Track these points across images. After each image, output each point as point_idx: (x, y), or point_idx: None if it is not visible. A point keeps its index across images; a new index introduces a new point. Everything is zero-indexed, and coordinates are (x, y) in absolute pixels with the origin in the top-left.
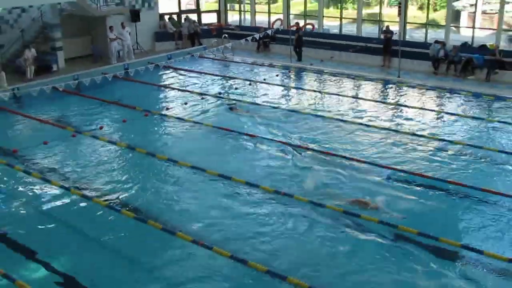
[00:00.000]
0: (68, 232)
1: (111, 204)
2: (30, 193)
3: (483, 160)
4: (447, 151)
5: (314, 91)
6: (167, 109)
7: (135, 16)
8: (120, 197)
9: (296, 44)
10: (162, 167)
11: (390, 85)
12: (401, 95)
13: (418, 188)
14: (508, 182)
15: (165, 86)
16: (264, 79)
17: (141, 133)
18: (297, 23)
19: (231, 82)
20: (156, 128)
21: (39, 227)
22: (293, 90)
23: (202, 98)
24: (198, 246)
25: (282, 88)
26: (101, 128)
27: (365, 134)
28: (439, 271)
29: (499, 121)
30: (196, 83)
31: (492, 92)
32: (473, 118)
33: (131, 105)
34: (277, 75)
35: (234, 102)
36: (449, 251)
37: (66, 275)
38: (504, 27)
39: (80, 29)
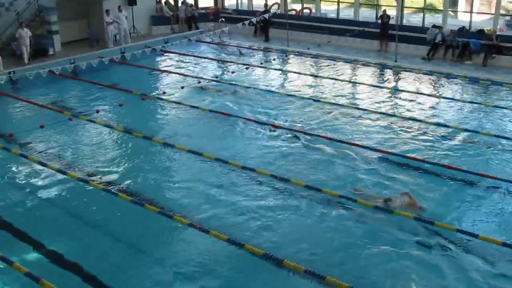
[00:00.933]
0: (64, 215)
1: (108, 187)
2: (27, 177)
3: (479, 144)
4: (442, 135)
5: (311, 75)
6: (164, 93)
7: None
8: (116, 180)
9: (263, 26)
10: (158, 151)
11: (387, 70)
12: (399, 79)
13: (413, 172)
14: (503, 166)
15: (162, 70)
16: (261, 63)
17: (138, 117)
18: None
19: (228, 66)
20: (152, 112)
21: (36, 210)
22: (291, 75)
23: (199, 82)
24: (195, 229)
25: (279, 72)
26: (97, 111)
27: (363, 119)
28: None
29: (495, 106)
30: (193, 67)
31: (489, 77)
32: (470, 102)
33: (127, 89)
34: (274, 59)
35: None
36: (444, 235)
37: (63, 257)
38: (502, 11)
39: (76, 13)
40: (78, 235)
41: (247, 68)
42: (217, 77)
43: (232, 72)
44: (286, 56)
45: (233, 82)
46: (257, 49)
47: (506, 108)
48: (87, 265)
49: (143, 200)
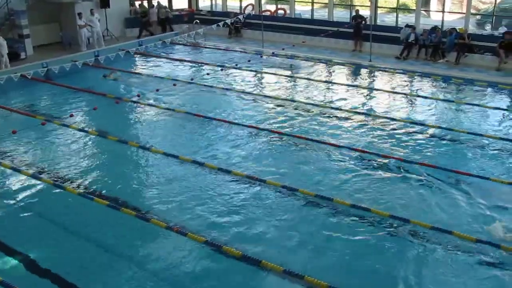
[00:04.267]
0: (40, 221)
1: (84, 192)
2: (0, 183)
3: (453, 141)
4: (418, 133)
5: (286, 76)
6: (138, 96)
7: (104, 2)
8: (92, 185)
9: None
10: (134, 154)
11: (362, 69)
12: (373, 79)
13: (388, 171)
14: (477, 163)
15: (136, 73)
16: (236, 65)
17: (113, 120)
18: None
19: (203, 67)
20: (127, 115)
21: (10, 217)
22: (267, 76)
23: (174, 85)
24: (173, 232)
25: (254, 73)
26: (71, 115)
27: (339, 118)
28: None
29: (467, 103)
30: (167, 69)
31: (461, 75)
32: (443, 100)
33: (102, 92)
34: (249, 61)
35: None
36: (420, 233)
37: (39, 265)
38: (473, 11)
39: (48, 16)
40: (54, 241)
41: (222, 70)
42: (192, 79)
43: (207, 74)
44: (261, 57)
45: (209, 84)
46: (232, 50)
47: (478, 106)
48: (63, 271)
49: (119, 204)
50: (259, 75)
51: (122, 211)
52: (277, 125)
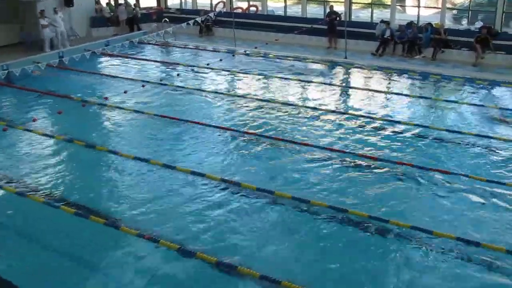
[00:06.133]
0: (2, 231)
1: (49, 200)
2: None
3: (430, 139)
4: (396, 132)
5: (259, 75)
6: (106, 98)
7: (68, 0)
8: (58, 192)
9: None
10: (102, 159)
11: (337, 67)
12: (349, 77)
13: (367, 171)
14: (454, 160)
15: (103, 74)
16: (208, 64)
17: (79, 124)
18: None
19: (173, 68)
20: (94, 119)
21: None
22: (239, 75)
23: (143, 86)
24: (144, 240)
25: (227, 73)
26: (34, 120)
27: (316, 118)
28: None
29: (445, 100)
30: (136, 70)
31: (438, 71)
32: (421, 97)
33: (66, 95)
34: (220, 60)
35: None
36: (399, 233)
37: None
38: (449, 5)
39: (7, 15)
40: (16, 252)
41: (193, 70)
42: (162, 80)
43: (178, 75)
44: (233, 56)
45: (180, 85)
46: (203, 50)
47: (456, 102)
48: (25, 283)
49: (87, 212)
50: (232, 75)
51: (91, 219)
52: (252, 126)
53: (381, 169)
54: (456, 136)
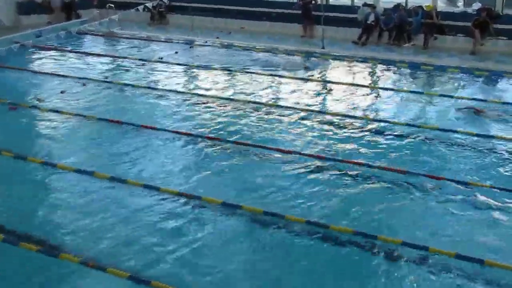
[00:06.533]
0: None
1: None
2: None
3: (423, 140)
4: (382, 132)
5: (222, 69)
6: (39, 100)
7: None
8: None
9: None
10: (36, 173)
11: (313, 58)
12: (328, 70)
13: (350, 178)
14: (453, 164)
15: (36, 72)
16: (161, 58)
17: (7, 131)
18: None
19: (119, 63)
20: (26, 125)
21: None
22: (198, 70)
23: (84, 85)
24: (88, 268)
25: (184, 68)
26: None
27: (289, 119)
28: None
29: (440, 95)
30: (75, 66)
31: (431, 61)
32: (411, 92)
33: None
34: (176, 52)
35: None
36: (389, 250)
37: None
38: None
39: None
40: None
41: (143, 65)
42: (106, 78)
43: (126, 70)
44: (191, 47)
45: (127, 82)
46: (155, 41)
47: (451, 97)
48: None
49: (18, 237)
50: (190, 70)
51: (21, 246)
52: (216, 130)
53: (368, 176)
54: (453, 136)
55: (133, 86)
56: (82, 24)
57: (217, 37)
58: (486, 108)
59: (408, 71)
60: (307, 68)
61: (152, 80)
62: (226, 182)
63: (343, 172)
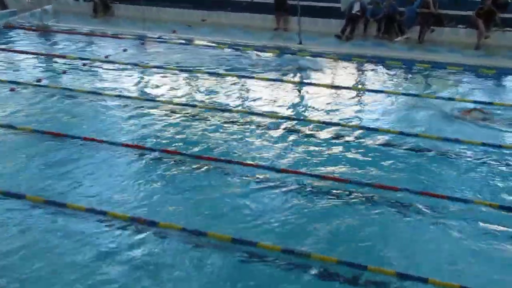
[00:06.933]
0: None
1: None
2: None
3: (420, 152)
4: (370, 142)
5: (180, 70)
6: None
7: None
8: None
9: None
10: None
11: (288, 56)
12: (306, 69)
13: (334, 198)
14: (453, 180)
15: None
16: (107, 57)
17: None
18: None
19: (56, 63)
20: None
21: None
22: (152, 71)
23: (12, 90)
24: None
25: (134, 68)
26: None
27: (258, 127)
28: None
29: (438, 98)
30: (2, 67)
31: (428, 58)
32: (405, 95)
33: None
34: (125, 50)
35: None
36: (381, 283)
37: None
38: None
39: None
40: None
41: (84, 65)
42: (40, 80)
43: (64, 72)
44: (143, 44)
45: (68, 86)
46: (100, 36)
47: (453, 99)
48: None
49: None
50: (141, 70)
51: None
52: (173, 142)
53: (354, 195)
54: (454, 147)
55: (73, 90)
56: (11, 17)
57: (174, 31)
58: (492, 112)
59: (401, 69)
60: (299, 69)
61: (96, 83)
62: (188, 204)
63: (324, 190)
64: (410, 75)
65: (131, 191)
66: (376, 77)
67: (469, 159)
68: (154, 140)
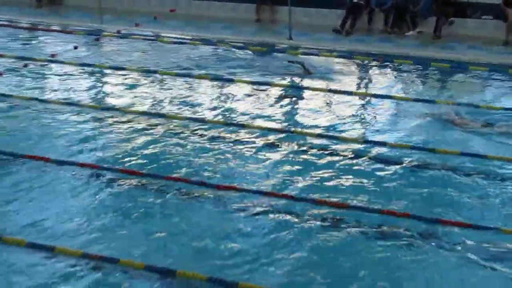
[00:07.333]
0: None
1: None
2: None
3: (436, 170)
4: (377, 160)
5: (144, 71)
6: None
7: None
8: None
9: None
10: None
11: (276, 54)
12: (296, 70)
13: (332, 227)
14: (475, 203)
15: None
16: (53, 56)
17: None
18: None
19: None
20: None
21: None
22: (107, 73)
23: None
24: None
25: (87, 69)
26: None
27: (239, 141)
28: None
29: (460, 104)
30: None
31: (446, 56)
32: (417, 101)
33: None
34: (76, 47)
35: None
36: None
37: None
38: None
39: None
40: None
41: (25, 66)
42: None
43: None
44: (98, 40)
45: (4, 92)
46: (45, 30)
47: (477, 106)
48: None
49: None
50: (97, 73)
51: None
52: (132, 159)
53: (357, 223)
54: (479, 163)
55: (11, 97)
56: None
57: (137, 25)
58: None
59: (413, 71)
60: (306, 72)
61: (41, 88)
62: (154, 237)
63: (322, 218)
64: (424, 78)
65: (84, 221)
66: (382, 80)
67: (497, 177)
68: (113, 157)
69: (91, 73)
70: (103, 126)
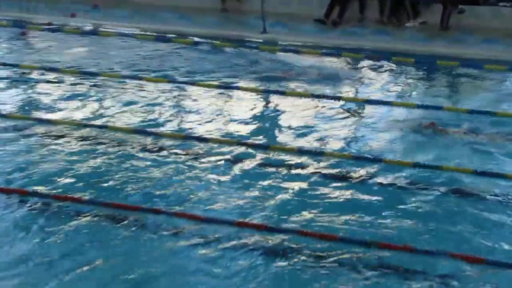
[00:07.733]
0: None
1: None
2: None
3: (443, 191)
4: (370, 179)
5: (84, 74)
6: None
7: None
8: None
9: None
10: None
11: (247, 50)
12: (271, 70)
13: (321, 260)
14: (493, 229)
15: None
16: None
17: None
18: None
19: None
20: None
21: None
22: (37, 76)
23: None
24: None
25: (9, 71)
26: None
27: (200, 158)
28: None
29: (472, 111)
30: None
31: (454, 53)
32: (421, 107)
33: None
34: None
35: None
36: None
37: None
38: None
39: None
40: None
41: None
42: None
43: None
44: (24, 34)
45: None
46: None
47: (494, 114)
48: None
49: None
50: (23, 75)
51: None
52: (67, 182)
53: (348, 256)
54: (492, 183)
55: None
56: None
57: (73, 15)
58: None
59: (414, 69)
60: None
61: None
62: (100, 276)
63: (304, 252)
64: (428, 78)
65: (9, 259)
66: (377, 81)
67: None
68: (43, 180)
69: (15, 75)
70: (29, 142)
